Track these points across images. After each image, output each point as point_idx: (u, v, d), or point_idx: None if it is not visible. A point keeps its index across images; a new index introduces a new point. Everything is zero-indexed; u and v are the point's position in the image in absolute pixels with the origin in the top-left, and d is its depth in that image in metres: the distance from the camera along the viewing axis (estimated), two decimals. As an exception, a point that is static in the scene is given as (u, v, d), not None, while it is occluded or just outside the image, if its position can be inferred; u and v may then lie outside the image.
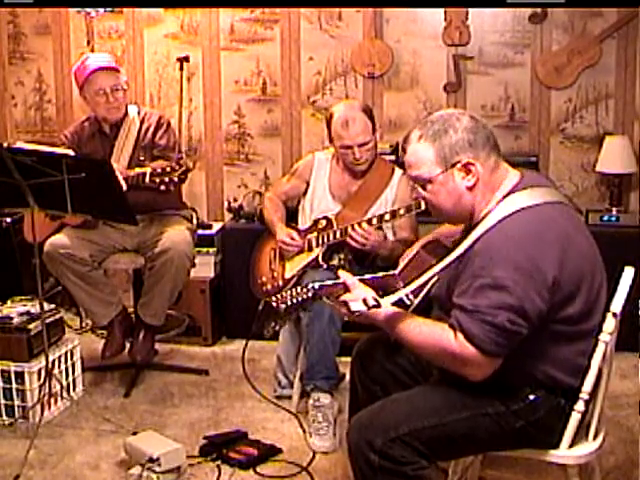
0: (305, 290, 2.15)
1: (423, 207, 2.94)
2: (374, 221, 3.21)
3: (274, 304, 2.14)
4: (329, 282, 2.22)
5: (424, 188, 2.12)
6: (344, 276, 2.18)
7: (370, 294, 2.10)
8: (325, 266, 3.36)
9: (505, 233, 1.99)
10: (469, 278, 2.00)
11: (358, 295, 2.10)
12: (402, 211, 3.14)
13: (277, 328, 2.18)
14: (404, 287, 2.21)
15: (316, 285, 2.16)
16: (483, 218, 2.06)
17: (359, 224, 3.21)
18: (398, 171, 3.44)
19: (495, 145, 2.10)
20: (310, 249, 3.42)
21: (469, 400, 2.08)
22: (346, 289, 2.15)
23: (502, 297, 1.93)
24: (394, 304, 2.12)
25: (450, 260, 2.08)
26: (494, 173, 2.09)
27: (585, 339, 2.08)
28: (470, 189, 2.08)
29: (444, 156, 2.06)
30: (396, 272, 2.43)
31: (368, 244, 3.21)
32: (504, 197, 2.07)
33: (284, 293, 2.17)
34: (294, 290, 2.17)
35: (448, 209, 2.12)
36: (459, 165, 2.06)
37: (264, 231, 3.65)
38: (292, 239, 3.43)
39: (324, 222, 3.42)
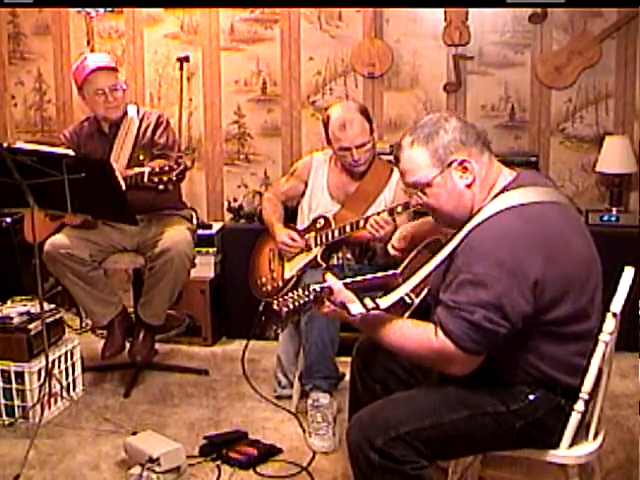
0: (307, 293, 2.15)
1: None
2: (371, 220, 3.20)
3: (276, 307, 2.13)
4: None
5: (424, 193, 2.11)
6: (330, 280, 2.16)
7: (352, 297, 2.09)
8: (324, 265, 3.37)
9: (490, 230, 2.00)
10: (452, 273, 2.01)
11: (344, 299, 2.10)
12: (400, 209, 3.14)
13: (279, 331, 2.17)
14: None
15: (317, 287, 2.16)
16: (474, 215, 2.07)
17: (377, 214, 3.19)
18: (397, 172, 3.43)
19: (486, 143, 2.11)
20: (309, 249, 3.42)
21: (469, 400, 2.08)
22: (330, 293, 2.13)
23: (480, 294, 1.93)
24: (395, 304, 2.12)
25: (442, 256, 2.09)
26: (489, 170, 2.10)
27: (582, 340, 2.07)
28: (469, 187, 2.08)
29: (439, 157, 2.07)
30: (397, 271, 2.43)
31: (381, 233, 3.14)
32: (496, 195, 2.08)
33: (286, 296, 2.16)
34: (295, 293, 2.17)
35: (450, 210, 2.12)
36: (455, 164, 2.07)
37: (264, 231, 3.65)
38: (293, 240, 3.43)
39: (322, 222, 3.42)
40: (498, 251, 1.95)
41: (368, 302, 2.08)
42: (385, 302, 2.12)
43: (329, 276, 2.17)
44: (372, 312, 2.08)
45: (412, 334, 2.06)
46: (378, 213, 3.19)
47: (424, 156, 2.08)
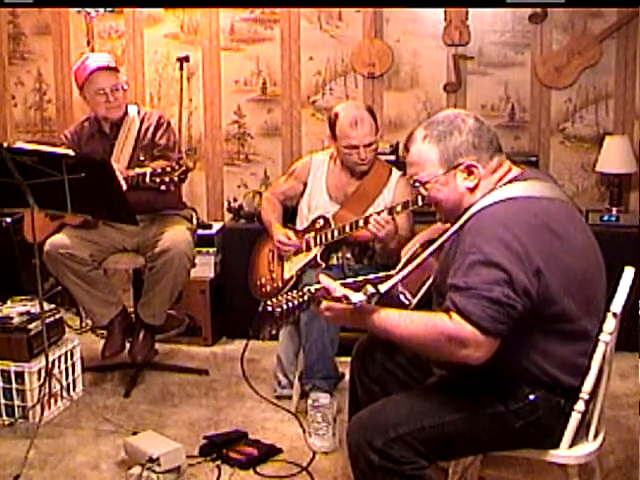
0: (301, 294, 2.14)
1: (420, 203, 2.97)
2: (371, 219, 3.19)
3: (269, 308, 2.13)
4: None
5: (425, 187, 2.13)
6: (324, 281, 2.14)
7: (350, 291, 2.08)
8: (324, 265, 3.37)
9: (496, 215, 2.01)
10: (460, 257, 2.00)
11: (343, 293, 2.08)
12: (399, 208, 3.14)
13: (273, 332, 2.17)
14: (401, 285, 2.22)
15: (312, 288, 2.15)
16: (475, 202, 2.07)
17: (377, 213, 3.19)
18: (396, 172, 3.44)
19: (498, 147, 2.13)
20: (308, 249, 3.42)
21: (469, 400, 2.08)
22: (327, 294, 2.11)
23: (494, 273, 1.92)
24: (392, 302, 2.12)
25: (443, 239, 2.10)
26: (495, 173, 2.11)
27: (583, 339, 2.07)
28: (471, 190, 2.09)
29: (447, 158, 2.08)
30: (394, 272, 2.43)
31: (382, 233, 3.15)
32: (502, 186, 2.09)
33: (280, 297, 2.15)
34: (290, 294, 2.16)
35: (448, 207, 2.14)
36: (461, 167, 2.08)
37: (263, 232, 3.65)
38: (289, 239, 3.43)
39: (322, 222, 3.42)
40: (505, 234, 1.95)
41: (369, 288, 2.06)
42: (385, 286, 2.12)
43: (322, 277, 2.16)
44: (374, 302, 2.07)
45: (423, 321, 2.00)
46: (378, 213, 3.20)
47: (432, 153, 2.09)
